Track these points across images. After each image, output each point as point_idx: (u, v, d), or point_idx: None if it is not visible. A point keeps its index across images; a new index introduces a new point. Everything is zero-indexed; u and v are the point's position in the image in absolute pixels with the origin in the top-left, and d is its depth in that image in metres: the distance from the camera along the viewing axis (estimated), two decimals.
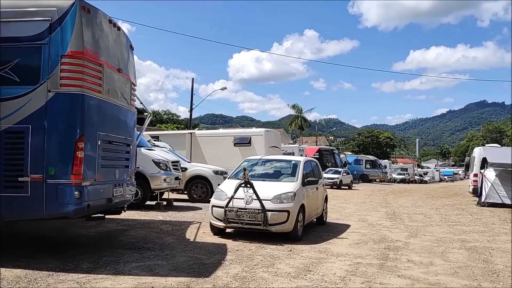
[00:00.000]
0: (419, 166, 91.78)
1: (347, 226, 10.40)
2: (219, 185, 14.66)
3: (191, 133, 23.68)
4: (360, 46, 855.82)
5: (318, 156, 34.19)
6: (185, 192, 14.92)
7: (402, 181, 52.96)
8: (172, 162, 12.79)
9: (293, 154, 29.77)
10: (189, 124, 35.98)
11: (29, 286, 4.77)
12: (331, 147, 42.00)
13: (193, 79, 37.25)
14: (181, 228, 9.19)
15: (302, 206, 8.23)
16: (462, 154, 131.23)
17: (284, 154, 25.51)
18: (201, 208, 12.77)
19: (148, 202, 12.08)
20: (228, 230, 8.49)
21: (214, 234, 8.41)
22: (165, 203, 13.05)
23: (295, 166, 9.22)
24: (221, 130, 27.25)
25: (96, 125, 6.20)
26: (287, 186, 8.33)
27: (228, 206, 7.88)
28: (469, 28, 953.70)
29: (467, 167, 23.90)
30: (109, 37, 6.72)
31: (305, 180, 8.74)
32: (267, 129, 25.56)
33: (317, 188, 9.53)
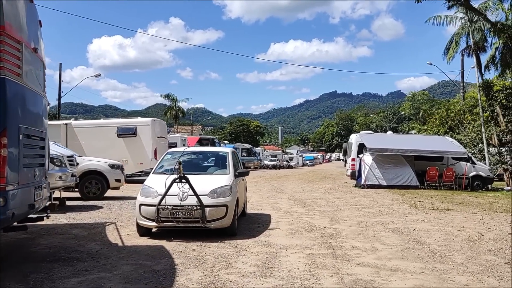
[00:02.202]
0: (284, 152, 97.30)
1: (268, 215, 10.36)
2: (119, 180, 13.57)
3: (66, 124, 21.47)
4: (225, 36, 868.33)
5: (199, 145, 33.85)
6: (77, 189, 13.38)
7: (274, 167, 55.56)
8: (67, 156, 11.34)
9: (175, 144, 28.88)
10: (58, 114, 32.61)
11: None
12: (211, 136, 41.92)
13: (60, 64, 33.78)
14: (96, 231, 8.17)
15: (237, 200, 7.92)
16: (319, 140, 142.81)
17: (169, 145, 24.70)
18: (101, 207, 11.60)
19: None
20: (154, 230, 7.82)
21: (141, 236, 7.66)
22: (57, 203, 11.52)
23: (223, 158, 8.82)
24: (102, 120, 25.19)
25: (17, 116, 5.09)
26: (222, 179, 7.91)
27: (161, 204, 7.20)
28: (323, 24, 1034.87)
29: (345, 153, 25.84)
30: (24, 10, 5.54)
31: (236, 172, 8.43)
32: (153, 118, 24.39)
33: (243, 179, 9.29)
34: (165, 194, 7.21)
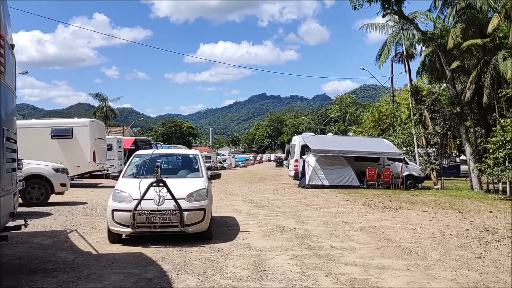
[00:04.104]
0: (217, 154, 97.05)
1: (232, 218, 10.29)
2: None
3: None
4: (153, 35, 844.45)
5: (135, 147, 32.77)
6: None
7: (209, 168, 55.27)
8: None
9: (111, 146, 27.75)
10: None
11: None
12: (147, 138, 40.76)
13: None
14: (60, 239, 7.65)
15: (211, 203, 7.80)
16: (250, 142, 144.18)
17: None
18: (51, 213, 10.87)
19: None
20: (124, 236, 7.47)
21: (112, 242, 7.30)
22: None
23: (194, 160, 8.65)
24: (34, 121, 23.51)
25: (2, 118, 4.65)
26: (197, 182, 7.74)
27: (137, 209, 6.90)
28: (251, 27, 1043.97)
29: (288, 154, 26.32)
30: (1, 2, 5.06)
31: (209, 175, 8.29)
32: (91, 119, 23.27)
33: (211, 182, 9.14)
34: (142, 198, 6.92)
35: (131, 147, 31.85)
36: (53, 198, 13.13)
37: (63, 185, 13.13)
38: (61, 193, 13.41)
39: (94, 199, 14.44)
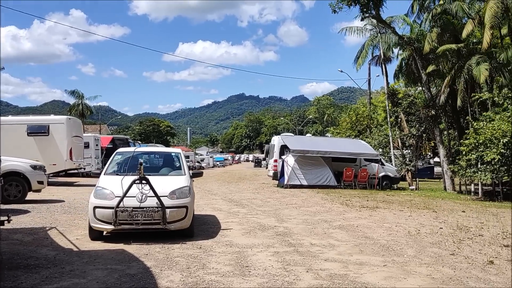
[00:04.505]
0: (195, 153, 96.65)
1: (213, 216, 10.37)
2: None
3: None
4: (131, 33, 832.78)
5: (112, 146, 32.43)
6: None
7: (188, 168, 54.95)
8: None
9: (88, 144, 27.38)
10: None
11: None
12: (125, 136, 40.33)
13: None
14: (40, 236, 7.60)
15: (193, 200, 7.87)
16: (229, 142, 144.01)
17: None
18: (28, 211, 10.75)
19: None
20: (105, 233, 7.48)
21: (93, 239, 7.31)
22: None
23: (176, 158, 8.71)
24: (9, 117, 22.98)
25: None
26: (180, 180, 7.81)
27: (120, 206, 6.91)
28: (231, 27, 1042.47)
29: (267, 154, 26.49)
30: None
31: (191, 173, 8.36)
32: (68, 116, 22.93)
33: (193, 180, 9.21)
34: (124, 195, 6.95)
35: (109, 146, 31.52)
36: (30, 195, 12.95)
37: (41, 182, 12.96)
38: (38, 190, 13.22)
39: (71, 197, 14.28)
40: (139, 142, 49.06)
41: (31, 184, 12.66)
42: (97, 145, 29.46)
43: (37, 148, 19.47)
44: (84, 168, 24.46)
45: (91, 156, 27.15)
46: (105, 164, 30.04)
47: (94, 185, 7.58)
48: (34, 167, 12.86)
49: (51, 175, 19.72)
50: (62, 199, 13.56)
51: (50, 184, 17.89)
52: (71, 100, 53.36)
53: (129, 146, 36.72)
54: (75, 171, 23.30)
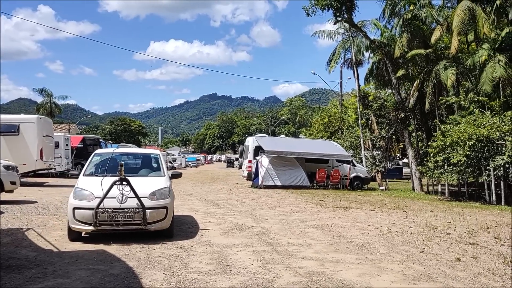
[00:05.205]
0: (167, 153, 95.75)
1: (190, 217, 10.46)
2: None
3: None
4: (101, 31, 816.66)
5: (83, 145, 31.90)
6: None
7: (167, 169, 54.44)
8: None
9: (58, 144, 26.86)
10: None
11: None
12: (96, 136, 39.65)
13: None
14: (18, 237, 7.56)
15: (173, 201, 7.98)
16: (201, 142, 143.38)
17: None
18: (2, 212, 10.57)
19: None
20: (84, 234, 7.51)
21: (72, 240, 7.33)
22: None
23: (155, 160, 8.80)
24: None
25: None
26: (159, 181, 7.91)
27: (100, 207, 6.96)
28: (204, 27, 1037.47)
29: (241, 155, 26.66)
30: None
31: (170, 174, 8.46)
32: (39, 115, 22.46)
33: (172, 181, 9.29)
34: (105, 196, 7.00)
35: (79, 146, 30.96)
36: (2, 196, 12.71)
37: (13, 183, 12.75)
38: (11, 191, 13.00)
39: (44, 198, 14.09)
40: (110, 142, 48.31)
41: (4, 184, 12.44)
42: (67, 144, 28.89)
43: (7, 148, 19.03)
44: (55, 169, 24.03)
45: (61, 156, 26.66)
46: (75, 165, 29.35)
47: (64, 186, 7.61)
48: (7, 168, 12.64)
49: (20, 175, 19.33)
50: (35, 200, 13.37)
51: (21, 184, 17.57)
52: (39, 99, 52.25)
53: (100, 146, 36.23)
54: (45, 171, 22.87)
